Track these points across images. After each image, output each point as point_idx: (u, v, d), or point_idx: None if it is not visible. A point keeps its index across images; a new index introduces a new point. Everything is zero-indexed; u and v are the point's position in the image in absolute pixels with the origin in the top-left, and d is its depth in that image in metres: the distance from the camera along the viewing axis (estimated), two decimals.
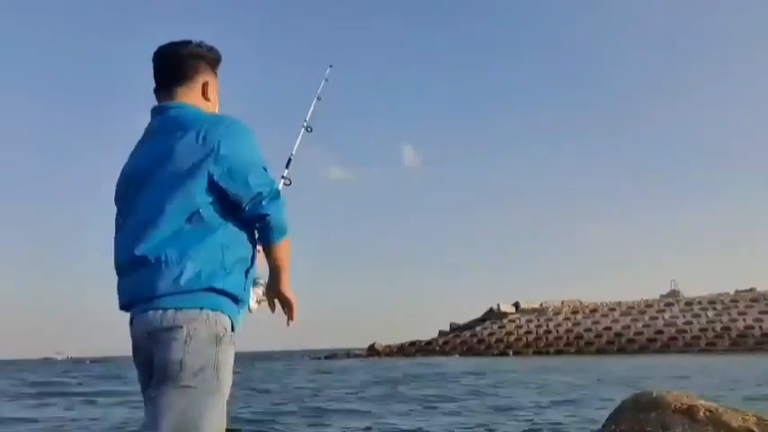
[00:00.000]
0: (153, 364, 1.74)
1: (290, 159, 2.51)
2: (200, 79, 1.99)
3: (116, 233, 1.90)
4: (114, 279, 1.88)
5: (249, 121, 1.93)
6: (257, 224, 1.86)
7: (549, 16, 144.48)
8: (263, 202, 1.83)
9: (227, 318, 1.79)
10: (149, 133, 1.94)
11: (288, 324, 2.02)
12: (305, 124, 2.67)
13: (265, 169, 1.88)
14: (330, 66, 2.95)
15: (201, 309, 1.73)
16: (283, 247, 1.90)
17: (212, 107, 2.03)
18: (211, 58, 2.03)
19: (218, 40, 2.08)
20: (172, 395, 1.69)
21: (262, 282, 2.02)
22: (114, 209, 1.95)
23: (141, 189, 1.83)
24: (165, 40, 2.02)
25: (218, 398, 1.74)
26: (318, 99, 2.78)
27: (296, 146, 2.58)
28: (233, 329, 1.81)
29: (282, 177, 2.40)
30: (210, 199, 1.79)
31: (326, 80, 2.89)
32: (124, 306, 1.84)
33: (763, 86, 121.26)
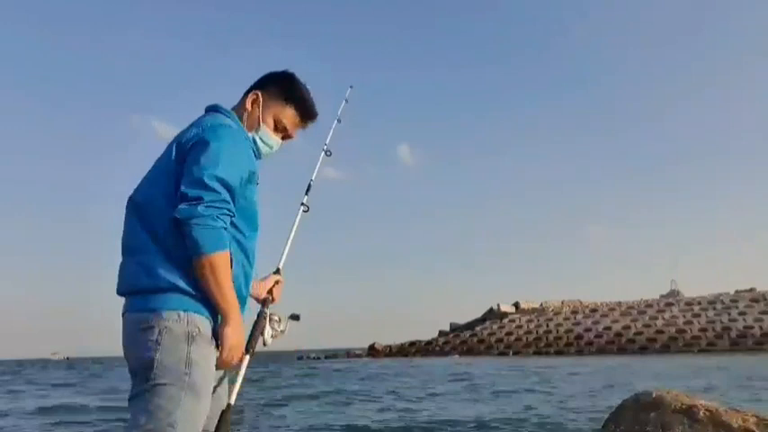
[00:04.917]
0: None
1: (309, 185, 2.40)
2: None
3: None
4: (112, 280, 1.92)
5: None
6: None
7: (548, 16, 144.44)
8: (192, 209, 1.72)
9: (202, 318, 1.80)
10: None
11: (215, 365, 1.83)
12: (325, 148, 2.55)
13: (217, 178, 1.76)
14: (351, 86, 2.84)
15: (174, 309, 1.76)
16: (204, 267, 1.74)
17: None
18: None
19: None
20: (148, 393, 1.72)
21: (276, 318, 2.02)
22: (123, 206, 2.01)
23: (143, 184, 1.93)
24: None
25: (191, 395, 1.73)
26: (339, 122, 2.67)
27: (315, 171, 2.45)
28: (213, 332, 1.81)
29: (302, 204, 2.33)
30: None
31: (347, 101, 2.78)
32: (118, 293, 1.89)
33: (763, 86, 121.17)
